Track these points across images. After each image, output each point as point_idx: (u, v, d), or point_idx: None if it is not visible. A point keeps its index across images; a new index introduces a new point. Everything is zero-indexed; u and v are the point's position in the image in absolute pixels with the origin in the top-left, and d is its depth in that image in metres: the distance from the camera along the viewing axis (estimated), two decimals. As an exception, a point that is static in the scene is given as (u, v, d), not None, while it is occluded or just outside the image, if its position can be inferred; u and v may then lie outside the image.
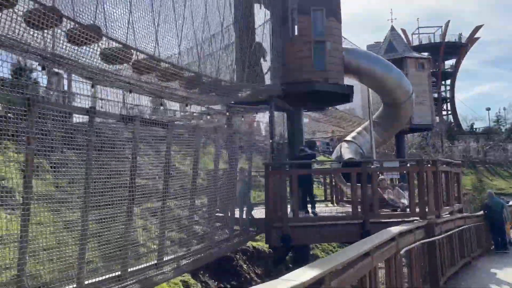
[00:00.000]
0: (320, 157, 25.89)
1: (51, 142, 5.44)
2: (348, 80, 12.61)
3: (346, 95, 12.07)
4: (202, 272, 12.69)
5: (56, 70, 7.44)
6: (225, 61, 9.76)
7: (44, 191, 5.83)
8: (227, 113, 9.31)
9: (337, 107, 16.07)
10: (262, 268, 14.18)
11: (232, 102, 10.26)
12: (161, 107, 7.02)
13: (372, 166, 9.52)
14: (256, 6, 11.74)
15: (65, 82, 8.53)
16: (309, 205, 10.03)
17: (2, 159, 5.80)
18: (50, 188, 5.93)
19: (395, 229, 6.27)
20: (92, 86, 5.64)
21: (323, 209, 11.69)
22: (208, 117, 8.82)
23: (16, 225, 5.42)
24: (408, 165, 10.44)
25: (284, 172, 8.83)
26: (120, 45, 6.68)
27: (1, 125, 4.86)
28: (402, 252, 6.22)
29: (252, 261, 14.47)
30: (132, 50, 6.88)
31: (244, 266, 14.21)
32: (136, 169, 6.52)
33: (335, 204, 14.09)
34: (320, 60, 11.47)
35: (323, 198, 15.31)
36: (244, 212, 10.16)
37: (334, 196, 14.41)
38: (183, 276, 11.67)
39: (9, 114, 5.06)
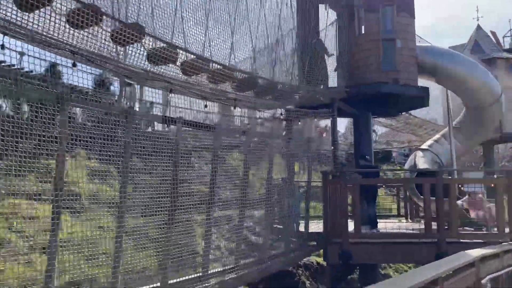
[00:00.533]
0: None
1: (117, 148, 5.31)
2: (425, 83, 11.37)
3: (420, 98, 10.84)
4: (261, 287, 12.07)
5: (129, 81, 7.42)
6: (284, 63, 9.17)
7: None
8: (281, 117, 8.66)
9: (415, 113, 14.66)
10: (327, 286, 13.17)
11: (292, 106, 9.61)
12: (206, 108, 6.59)
13: (450, 177, 8.24)
14: (321, 7, 11.05)
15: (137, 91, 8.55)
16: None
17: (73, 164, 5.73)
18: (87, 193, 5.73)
19: (475, 252, 5.15)
20: (129, 85, 5.34)
21: (393, 225, 10.50)
22: (259, 120, 8.25)
23: (80, 229, 5.34)
24: (495, 176, 8.95)
25: (344, 181, 7.91)
26: (165, 45, 6.39)
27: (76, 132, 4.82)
28: (484, 281, 5.07)
29: (315, 278, 13.54)
30: (178, 50, 6.57)
31: (307, 282, 13.32)
32: (178, 175, 6.13)
33: (409, 220, 12.71)
34: (389, 60, 10.42)
35: (396, 213, 13.96)
36: (303, 225, 9.40)
37: (409, 211, 13.02)
38: (240, 290, 11.13)
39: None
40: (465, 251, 5.29)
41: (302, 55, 9.68)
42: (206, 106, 6.46)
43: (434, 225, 7.97)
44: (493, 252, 5.75)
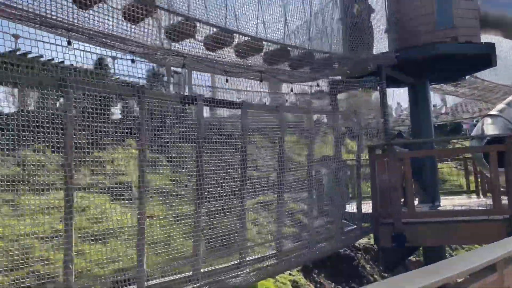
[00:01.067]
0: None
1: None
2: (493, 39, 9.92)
3: (485, 56, 9.47)
4: (316, 272, 11.51)
5: (178, 69, 7.18)
6: (322, 29, 8.37)
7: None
8: (320, 88, 7.90)
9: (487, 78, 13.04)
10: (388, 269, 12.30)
11: (334, 77, 8.82)
12: (226, 83, 6.08)
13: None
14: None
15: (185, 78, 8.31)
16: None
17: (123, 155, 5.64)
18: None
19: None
20: (133, 61, 4.98)
21: (460, 201, 9.38)
22: (297, 95, 7.58)
23: (130, 219, 5.28)
24: None
25: (393, 155, 7.03)
26: (182, 18, 5.97)
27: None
28: None
29: (376, 261, 12.69)
30: (196, 23, 6.12)
31: (367, 266, 12.54)
32: (202, 158, 5.71)
33: (481, 196, 11.38)
34: (445, 16, 9.17)
35: (466, 189, 12.62)
36: (355, 205, 8.65)
37: (480, 186, 11.65)
38: (293, 276, 10.67)
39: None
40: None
41: (344, 19, 8.81)
42: (227, 81, 5.96)
43: (505, 200, 6.88)
44: None
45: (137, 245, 5.12)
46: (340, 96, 9.00)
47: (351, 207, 8.67)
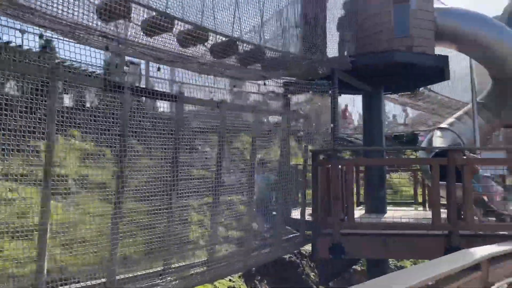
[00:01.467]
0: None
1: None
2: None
3: (438, 69, 9.40)
4: (259, 278, 11.12)
5: (132, 59, 6.50)
6: (275, 26, 7.98)
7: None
8: (264, 87, 7.49)
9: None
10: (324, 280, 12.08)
11: (285, 77, 8.44)
12: (159, 71, 5.55)
13: (465, 157, 6.89)
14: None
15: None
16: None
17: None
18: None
19: (482, 250, 3.92)
20: (41, 37, 4.36)
21: (404, 213, 9.23)
22: (235, 89, 7.14)
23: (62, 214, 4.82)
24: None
25: (335, 162, 6.71)
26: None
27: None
28: (494, 288, 3.85)
29: (321, 269, 12.45)
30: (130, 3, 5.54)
31: (312, 274, 12.28)
32: (125, 154, 5.15)
33: (427, 208, 11.35)
34: (401, 24, 9.02)
35: (412, 201, 12.61)
36: (298, 212, 8.31)
37: (428, 198, 11.63)
38: (233, 282, 10.22)
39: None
40: (469, 249, 4.08)
41: (300, 20, 8.46)
42: (159, 69, 5.42)
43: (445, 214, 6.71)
44: (509, 249, 4.47)
45: (38, 244, 4.52)
46: (298, 98, 8.67)
47: (296, 213, 8.33)
